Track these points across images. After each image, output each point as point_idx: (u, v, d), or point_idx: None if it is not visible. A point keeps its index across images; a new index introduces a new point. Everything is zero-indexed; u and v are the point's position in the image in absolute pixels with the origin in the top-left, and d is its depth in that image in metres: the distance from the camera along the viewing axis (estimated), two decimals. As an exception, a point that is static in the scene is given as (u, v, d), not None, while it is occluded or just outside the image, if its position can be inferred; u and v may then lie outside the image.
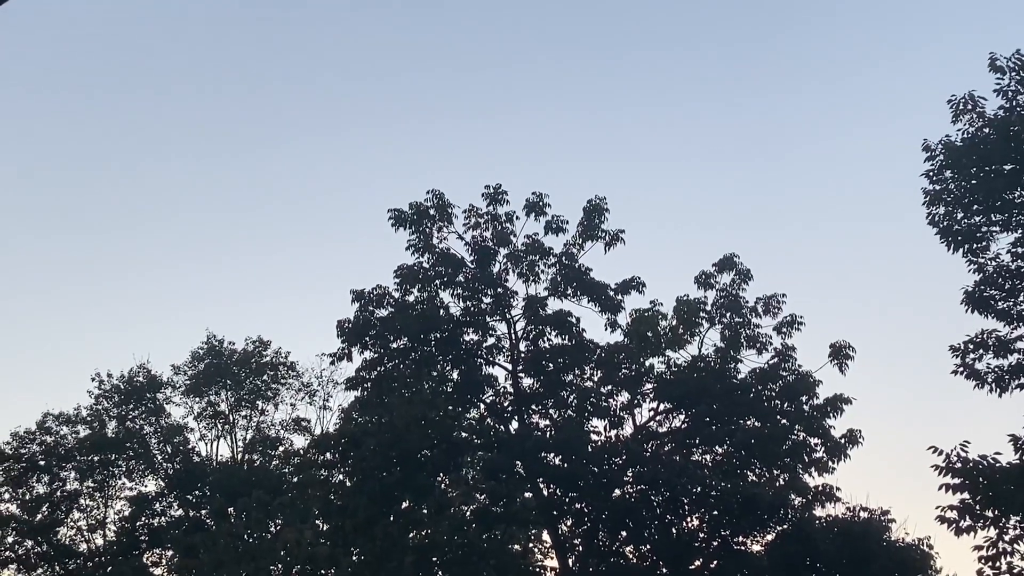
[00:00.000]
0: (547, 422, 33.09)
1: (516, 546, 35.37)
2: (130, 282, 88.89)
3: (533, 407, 33.22)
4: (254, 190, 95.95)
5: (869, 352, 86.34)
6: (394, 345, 32.90)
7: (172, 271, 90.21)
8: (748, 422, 32.42)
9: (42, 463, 48.23)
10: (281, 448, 49.80)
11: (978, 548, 23.93)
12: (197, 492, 48.09)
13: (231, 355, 50.24)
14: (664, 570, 31.85)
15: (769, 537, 32.06)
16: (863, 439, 32.20)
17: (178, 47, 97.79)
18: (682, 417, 33.36)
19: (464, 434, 32.95)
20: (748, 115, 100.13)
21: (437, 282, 33.05)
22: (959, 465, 23.50)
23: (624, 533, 32.31)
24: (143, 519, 48.72)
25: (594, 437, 32.48)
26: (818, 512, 32.29)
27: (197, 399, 50.08)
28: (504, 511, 32.05)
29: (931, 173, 25.94)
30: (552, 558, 35.14)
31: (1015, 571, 23.73)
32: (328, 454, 33.64)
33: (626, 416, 33.11)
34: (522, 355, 33.15)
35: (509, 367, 33.25)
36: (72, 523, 48.97)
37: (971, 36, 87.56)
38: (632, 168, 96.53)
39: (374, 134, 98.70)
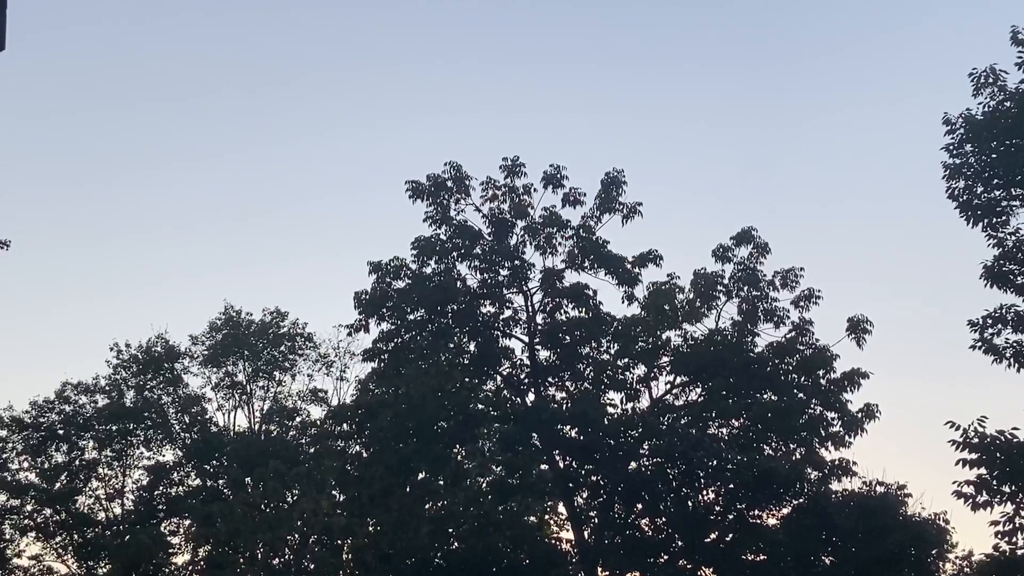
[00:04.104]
0: (563, 394, 33.16)
1: (532, 518, 35.40)
2: (149, 252, 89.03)
3: (550, 379, 33.27)
4: (272, 160, 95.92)
5: (887, 326, 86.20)
6: (411, 317, 32.97)
7: (190, 241, 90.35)
8: (765, 396, 32.43)
9: (61, 432, 48.43)
10: (298, 419, 49.92)
11: (995, 523, 23.88)
12: (214, 462, 48.27)
13: (248, 326, 50.32)
14: (679, 543, 31.93)
15: (785, 511, 32.12)
16: (880, 413, 32.20)
17: (194, 15, 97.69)
18: (699, 390, 33.39)
19: (480, 406, 33.04)
20: (766, 88, 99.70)
21: (454, 254, 33.08)
22: (976, 440, 23.44)
23: (640, 506, 32.40)
24: (161, 488, 48.97)
25: (610, 410, 32.57)
26: (834, 486, 32.33)
27: (215, 369, 50.19)
28: (520, 483, 32.13)
29: (951, 147, 25.77)
30: (568, 530, 35.29)
31: (1032, 546, 23.72)
32: (345, 425, 33.79)
33: (642, 389, 33.17)
34: (539, 327, 33.19)
35: (526, 339, 33.30)
36: (90, 492, 49.19)
37: (994, 7, 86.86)
38: (651, 140, 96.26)
39: (392, 104, 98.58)
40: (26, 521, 48.29)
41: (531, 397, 33.20)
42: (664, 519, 32.14)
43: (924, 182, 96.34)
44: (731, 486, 31.61)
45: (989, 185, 25.58)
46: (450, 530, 32.50)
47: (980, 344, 25.59)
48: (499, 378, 33.74)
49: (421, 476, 32.75)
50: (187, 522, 47.52)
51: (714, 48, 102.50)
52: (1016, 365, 25.29)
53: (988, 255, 25.67)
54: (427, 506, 33.47)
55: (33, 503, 48.29)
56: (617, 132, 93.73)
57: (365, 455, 33.02)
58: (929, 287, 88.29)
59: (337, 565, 36.62)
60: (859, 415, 32.05)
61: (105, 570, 47.72)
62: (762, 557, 31.68)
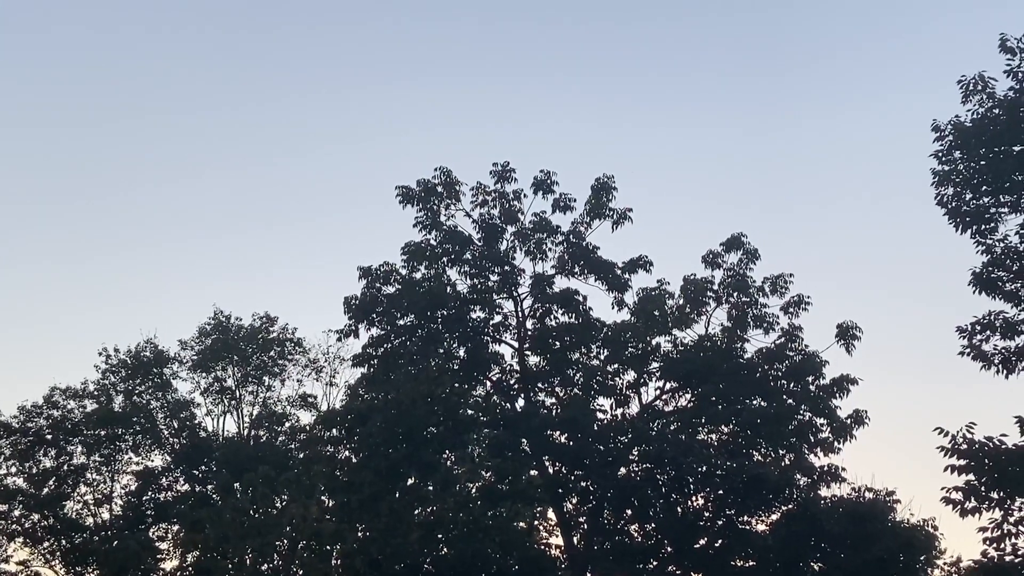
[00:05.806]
0: (553, 400, 33.18)
1: (521, 523, 35.35)
2: (138, 257, 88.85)
3: (539, 385, 33.29)
4: (262, 166, 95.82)
5: (876, 333, 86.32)
6: (401, 322, 32.98)
7: (180, 246, 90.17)
8: (754, 402, 32.47)
9: (49, 437, 48.27)
10: (287, 424, 49.82)
11: (983, 530, 23.95)
12: (203, 467, 48.16)
13: (238, 331, 50.22)
14: (669, 548, 31.96)
15: (774, 516, 32.18)
16: (869, 419, 32.28)
17: (185, 27, 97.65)
18: (688, 396, 33.42)
19: (470, 411, 32.99)
20: (757, 94, 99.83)
21: (444, 259, 33.10)
22: (965, 446, 23.50)
23: (629, 511, 32.40)
24: (149, 493, 48.82)
25: (600, 415, 32.58)
26: (823, 492, 32.41)
27: (204, 374, 50.08)
28: (510, 488, 32.11)
29: (940, 154, 25.85)
30: (557, 535, 35.27)
31: (1019, 552, 23.74)
32: (334, 430, 33.73)
33: (632, 395, 33.21)
34: (529, 333, 33.21)
35: (516, 345, 33.31)
36: (79, 497, 49.01)
37: (982, 15, 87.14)
38: (641, 146, 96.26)
39: (382, 109, 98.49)
40: (14, 526, 48.09)
41: (521, 403, 33.21)
42: (653, 525, 32.15)
43: (914, 188, 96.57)
44: (720, 492, 31.65)
45: (978, 192, 25.66)
46: (439, 536, 32.46)
47: (969, 350, 25.67)
48: (489, 383, 33.73)
49: (410, 481, 32.71)
50: (175, 528, 47.38)
51: (705, 54, 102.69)
52: (1004, 371, 25.36)
53: (977, 261, 25.78)
54: (416, 512, 33.43)
55: (21, 508, 48.10)
56: (607, 138, 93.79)
57: (354, 460, 32.95)
58: (918, 293, 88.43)
59: (326, 571, 36.53)
60: (848, 421, 32.11)
61: (93, 576, 47.60)
62: (751, 563, 31.72)
